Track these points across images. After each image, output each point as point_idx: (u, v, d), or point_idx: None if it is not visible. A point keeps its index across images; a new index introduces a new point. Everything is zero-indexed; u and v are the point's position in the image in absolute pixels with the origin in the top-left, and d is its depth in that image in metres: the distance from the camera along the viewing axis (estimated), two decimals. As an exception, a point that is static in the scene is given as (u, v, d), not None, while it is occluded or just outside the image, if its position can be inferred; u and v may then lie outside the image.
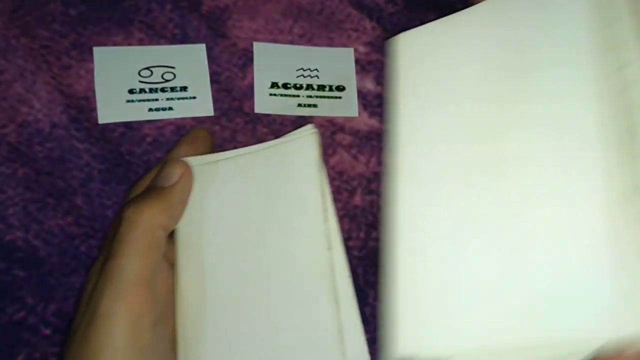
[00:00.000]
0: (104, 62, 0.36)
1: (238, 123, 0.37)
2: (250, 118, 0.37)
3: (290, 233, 0.29)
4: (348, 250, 0.33)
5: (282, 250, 0.28)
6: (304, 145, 0.30)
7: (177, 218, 0.29)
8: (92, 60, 0.36)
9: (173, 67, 0.37)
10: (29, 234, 0.33)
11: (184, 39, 0.37)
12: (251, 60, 0.38)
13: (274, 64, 0.38)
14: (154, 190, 0.28)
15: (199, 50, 0.37)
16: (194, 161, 0.30)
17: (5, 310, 0.33)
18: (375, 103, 0.39)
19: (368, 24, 0.40)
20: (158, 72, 0.37)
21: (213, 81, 0.37)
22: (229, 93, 0.38)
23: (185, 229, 0.29)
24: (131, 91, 0.36)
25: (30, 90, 0.35)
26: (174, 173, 0.29)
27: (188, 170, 0.29)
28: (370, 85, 0.39)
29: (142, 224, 0.27)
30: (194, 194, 0.30)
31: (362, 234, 0.36)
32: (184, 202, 0.29)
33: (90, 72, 0.36)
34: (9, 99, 0.34)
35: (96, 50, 0.36)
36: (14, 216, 0.33)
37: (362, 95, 0.39)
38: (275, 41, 0.39)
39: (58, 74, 0.35)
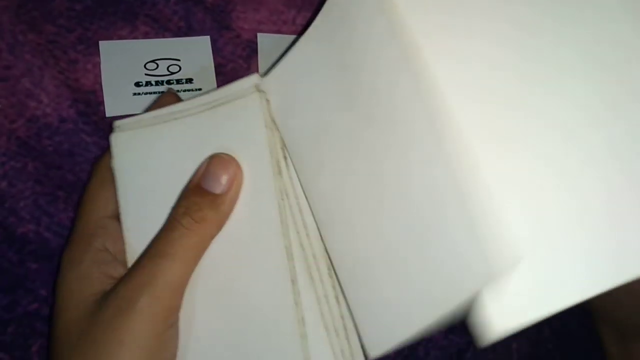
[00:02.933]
0: (110, 55, 0.36)
1: (244, 114, 0.37)
2: (255, 109, 0.38)
3: (241, 195, 0.28)
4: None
5: (235, 213, 0.28)
6: (248, 103, 0.29)
7: (223, 226, 0.28)
8: (98, 54, 0.36)
9: (178, 60, 0.37)
10: (40, 227, 0.34)
11: (188, 32, 0.38)
12: (255, 51, 0.38)
13: (279, 54, 0.39)
14: (206, 196, 0.27)
15: (204, 43, 0.38)
16: (128, 125, 0.29)
17: (19, 301, 0.33)
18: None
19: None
20: (164, 64, 0.37)
21: (218, 73, 0.38)
22: (234, 84, 0.38)
23: (127, 206, 0.29)
24: (137, 84, 0.36)
25: (38, 85, 0.35)
26: (225, 176, 0.28)
27: (239, 174, 0.28)
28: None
29: (196, 235, 0.27)
30: (133, 165, 0.29)
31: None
32: (232, 209, 0.28)
33: (97, 66, 0.36)
34: (17, 94, 0.35)
35: (102, 44, 0.36)
36: (25, 209, 0.34)
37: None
38: (279, 32, 0.39)
39: (65, 68, 0.36)
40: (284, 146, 0.28)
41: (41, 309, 0.33)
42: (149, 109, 0.31)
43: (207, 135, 0.29)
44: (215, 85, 0.37)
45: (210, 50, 0.38)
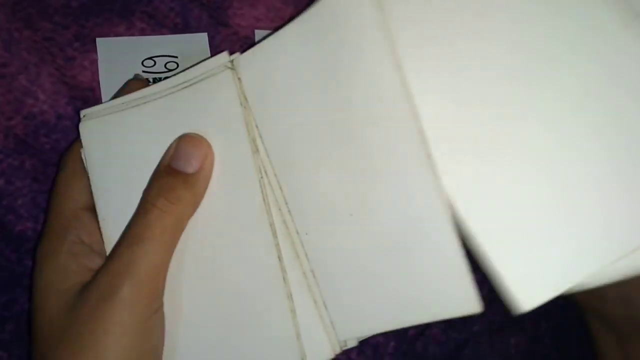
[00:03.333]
0: (108, 52, 0.36)
1: (241, 111, 0.37)
2: (253, 105, 0.38)
3: (219, 171, 0.28)
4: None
5: (214, 195, 0.28)
6: (221, 82, 0.28)
7: (198, 205, 0.28)
8: (95, 51, 0.36)
9: (176, 57, 0.37)
10: (38, 224, 0.34)
11: (185, 28, 0.38)
12: (253, 48, 0.38)
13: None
14: (179, 175, 0.27)
15: (201, 39, 0.38)
16: (95, 112, 0.29)
17: (17, 300, 0.33)
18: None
19: None
20: (161, 61, 0.37)
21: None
22: (232, 81, 0.38)
23: (102, 195, 0.29)
24: (135, 81, 0.36)
25: (34, 82, 0.35)
26: (196, 155, 0.27)
27: (210, 150, 0.28)
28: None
29: (172, 216, 0.26)
30: (104, 153, 0.29)
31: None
32: (206, 188, 0.28)
33: (94, 63, 0.36)
34: (14, 91, 0.35)
35: (99, 41, 0.36)
36: (23, 207, 0.34)
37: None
38: (276, 29, 0.39)
39: (62, 65, 0.35)
40: (257, 125, 0.28)
41: (40, 307, 0.33)
42: (117, 95, 0.31)
43: (179, 116, 0.28)
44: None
45: (208, 47, 0.38)
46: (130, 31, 0.37)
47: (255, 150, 0.28)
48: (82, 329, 0.25)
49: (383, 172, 0.26)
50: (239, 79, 0.28)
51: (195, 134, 0.28)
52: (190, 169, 0.27)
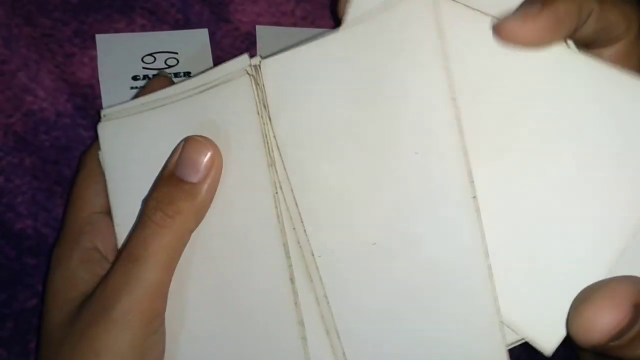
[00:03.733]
0: (107, 49, 0.36)
1: (242, 107, 0.37)
2: (254, 102, 0.37)
3: (232, 183, 0.26)
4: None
5: (225, 208, 0.26)
6: (239, 88, 0.26)
7: (204, 215, 0.26)
8: (95, 48, 0.36)
9: (176, 53, 0.37)
10: (38, 222, 0.34)
11: (186, 24, 0.37)
12: (254, 43, 0.38)
13: (277, 46, 0.38)
14: (180, 185, 0.25)
15: (202, 35, 0.37)
16: (115, 113, 0.28)
17: (17, 297, 0.33)
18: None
19: None
20: (161, 58, 0.36)
21: (216, 66, 0.37)
22: (233, 77, 0.37)
23: (118, 200, 0.27)
24: (135, 78, 0.36)
25: (34, 79, 0.35)
26: (202, 162, 0.25)
27: (218, 157, 0.26)
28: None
29: (171, 231, 0.25)
30: (122, 156, 0.27)
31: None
32: (213, 196, 0.26)
33: (94, 59, 0.36)
34: (13, 88, 0.34)
35: (99, 37, 0.36)
36: (23, 205, 0.34)
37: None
38: (278, 24, 0.39)
39: (61, 62, 0.35)
40: (275, 135, 0.27)
41: (39, 305, 0.33)
42: (139, 94, 0.30)
43: (197, 121, 0.27)
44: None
45: (209, 43, 0.37)
46: (130, 27, 0.37)
47: (272, 163, 0.26)
48: (76, 346, 0.24)
49: (420, 205, 0.24)
50: (259, 84, 0.27)
51: (201, 137, 0.26)
52: (195, 177, 0.25)
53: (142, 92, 0.30)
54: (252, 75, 0.27)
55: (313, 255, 0.26)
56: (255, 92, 0.26)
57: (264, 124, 0.26)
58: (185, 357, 0.26)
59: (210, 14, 0.38)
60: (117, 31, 0.36)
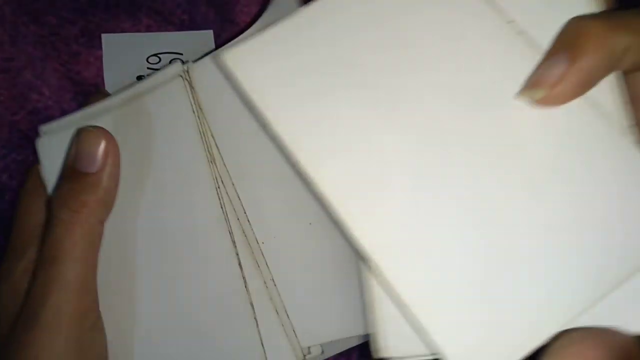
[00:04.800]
0: (113, 49, 0.36)
1: (246, 109, 0.37)
2: (258, 104, 0.37)
3: (176, 181, 0.27)
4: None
5: (172, 204, 0.27)
6: (173, 91, 0.28)
7: (113, 203, 0.26)
8: (100, 47, 0.36)
9: (181, 54, 0.37)
10: (41, 220, 0.34)
11: (191, 25, 0.37)
12: (259, 46, 0.38)
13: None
14: (81, 178, 0.25)
15: (207, 36, 0.37)
16: (54, 129, 0.28)
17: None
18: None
19: None
20: (166, 58, 0.37)
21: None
22: (237, 79, 0.38)
23: None
24: (140, 78, 0.36)
25: (39, 77, 0.35)
26: (98, 152, 0.25)
27: (113, 143, 0.26)
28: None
29: (80, 225, 0.25)
30: (58, 170, 0.27)
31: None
32: (117, 183, 0.26)
33: (99, 58, 0.36)
34: (18, 86, 0.35)
35: (105, 37, 0.36)
36: (26, 202, 0.34)
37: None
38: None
39: (67, 60, 0.35)
40: (212, 133, 0.28)
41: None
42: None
43: (135, 127, 0.28)
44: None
45: (214, 44, 0.37)
46: (136, 27, 0.37)
47: (212, 160, 0.27)
48: (15, 355, 0.24)
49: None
50: (193, 87, 0.28)
51: (93, 127, 0.26)
52: (93, 168, 0.25)
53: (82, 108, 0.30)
54: (186, 79, 0.28)
55: (257, 242, 0.27)
56: (190, 94, 0.28)
57: (200, 123, 0.28)
58: (141, 349, 0.27)
59: (216, 15, 0.38)
60: (123, 31, 0.36)
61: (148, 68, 0.36)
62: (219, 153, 0.28)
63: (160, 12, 0.37)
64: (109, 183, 0.26)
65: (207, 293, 0.27)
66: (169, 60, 0.37)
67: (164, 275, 0.27)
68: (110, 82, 0.36)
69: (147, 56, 0.36)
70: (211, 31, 0.37)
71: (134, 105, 0.28)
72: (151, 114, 0.28)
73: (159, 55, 0.36)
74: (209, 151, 0.27)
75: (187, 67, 0.28)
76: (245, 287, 0.27)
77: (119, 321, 0.27)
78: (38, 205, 0.28)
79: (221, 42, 0.37)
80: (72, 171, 0.26)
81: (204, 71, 0.28)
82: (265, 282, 0.27)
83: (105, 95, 0.31)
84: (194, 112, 0.28)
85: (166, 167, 0.27)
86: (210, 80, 0.28)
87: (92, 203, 0.25)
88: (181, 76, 0.28)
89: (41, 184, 0.28)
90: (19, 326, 0.25)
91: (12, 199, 0.34)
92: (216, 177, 0.27)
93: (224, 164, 0.28)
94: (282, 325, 0.27)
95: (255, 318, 0.26)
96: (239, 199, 0.28)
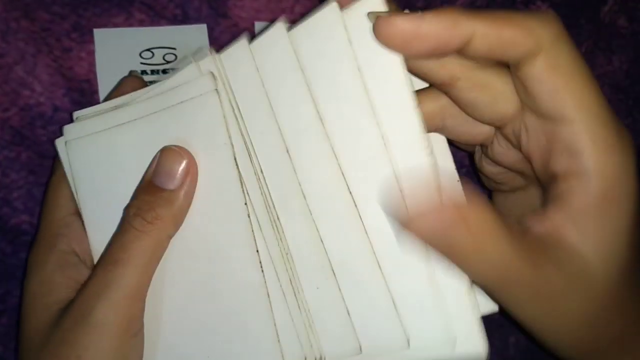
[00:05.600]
0: (105, 44, 0.36)
1: (240, 104, 0.37)
2: (252, 99, 0.37)
3: (205, 195, 0.27)
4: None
5: (200, 209, 0.27)
6: (206, 104, 0.27)
7: (182, 221, 0.27)
8: (92, 43, 0.36)
9: (174, 49, 0.37)
10: (34, 217, 0.34)
11: (184, 20, 0.37)
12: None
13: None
14: (158, 193, 0.26)
15: (200, 31, 0.37)
16: (78, 130, 0.28)
17: (11, 292, 0.33)
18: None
19: (371, 1, 0.40)
20: (159, 53, 0.36)
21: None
22: (231, 74, 0.37)
23: (89, 211, 0.28)
24: (132, 73, 0.36)
25: (31, 73, 0.34)
26: (177, 170, 0.26)
27: (193, 165, 0.26)
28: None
29: (150, 236, 0.25)
30: (90, 170, 0.27)
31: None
32: (190, 202, 0.27)
33: (91, 54, 0.36)
34: (10, 82, 0.34)
35: (97, 32, 0.36)
36: (19, 200, 0.34)
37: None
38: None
39: (59, 56, 0.35)
40: (247, 141, 0.27)
41: (35, 300, 0.33)
42: (111, 94, 0.30)
43: (166, 134, 0.27)
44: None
45: (207, 39, 0.37)
46: (128, 22, 0.36)
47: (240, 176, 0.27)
48: (57, 351, 0.25)
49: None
50: (227, 92, 0.27)
51: (177, 147, 0.27)
52: (172, 185, 0.26)
53: (114, 92, 0.30)
54: (219, 93, 0.27)
55: (288, 253, 0.26)
56: (221, 103, 0.27)
57: (233, 132, 0.27)
58: (164, 356, 0.26)
59: (209, 10, 0.38)
60: (115, 26, 0.36)
61: (141, 63, 0.36)
62: (252, 165, 0.27)
63: (152, 6, 0.37)
64: (184, 202, 0.26)
65: (232, 306, 0.26)
66: (163, 55, 0.36)
67: (188, 286, 0.27)
68: (102, 77, 0.35)
69: (139, 51, 0.36)
70: (205, 25, 0.37)
71: (166, 114, 0.27)
72: (181, 122, 0.27)
73: (152, 50, 0.36)
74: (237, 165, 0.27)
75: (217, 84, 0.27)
76: (272, 306, 0.26)
77: (149, 331, 0.26)
78: (65, 198, 0.28)
79: (215, 36, 0.37)
80: (150, 185, 0.26)
81: (238, 80, 0.27)
82: (297, 301, 0.26)
83: (139, 80, 0.31)
84: (226, 125, 0.27)
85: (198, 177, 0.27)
86: (244, 95, 0.27)
87: (166, 218, 0.26)
88: (216, 90, 0.27)
89: (65, 174, 0.28)
90: (64, 322, 0.25)
91: (5, 197, 0.33)
92: (246, 190, 0.26)
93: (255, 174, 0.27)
94: (310, 343, 0.26)
95: (275, 324, 0.26)
96: (275, 210, 0.27)
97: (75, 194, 0.28)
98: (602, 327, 0.24)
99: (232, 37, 0.37)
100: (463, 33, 0.22)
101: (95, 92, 0.35)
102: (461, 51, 0.23)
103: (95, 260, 0.27)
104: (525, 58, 0.23)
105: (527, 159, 0.25)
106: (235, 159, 0.26)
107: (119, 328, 0.24)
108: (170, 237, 0.26)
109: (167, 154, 0.26)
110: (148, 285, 0.26)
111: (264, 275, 0.26)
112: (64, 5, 0.36)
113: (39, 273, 0.27)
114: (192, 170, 0.26)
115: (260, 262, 0.26)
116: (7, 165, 0.34)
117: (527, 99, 0.24)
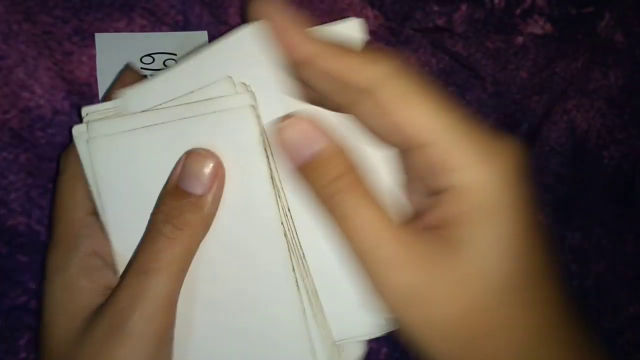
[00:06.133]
0: (106, 48, 0.36)
1: (239, 111, 0.37)
2: (251, 106, 0.37)
3: (235, 203, 0.26)
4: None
5: (230, 217, 0.26)
6: (241, 118, 0.26)
7: (210, 225, 0.26)
8: (93, 47, 0.36)
9: (174, 54, 0.37)
10: (31, 219, 0.34)
11: (185, 26, 0.37)
12: (253, 47, 0.38)
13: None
14: (185, 197, 0.25)
15: (201, 37, 0.37)
16: (103, 129, 0.26)
17: (7, 294, 0.33)
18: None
19: (370, 12, 0.40)
20: (160, 58, 0.37)
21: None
22: (231, 80, 0.38)
23: (112, 214, 0.26)
24: (133, 78, 0.36)
25: (32, 76, 0.35)
26: (205, 174, 0.25)
27: (221, 169, 0.25)
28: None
29: (181, 243, 0.24)
30: (114, 174, 0.26)
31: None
32: (218, 206, 0.26)
33: (92, 58, 0.36)
34: (10, 84, 0.34)
35: (98, 36, 0.36)
36: (16, 202, 0.34)
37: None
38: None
39: (60, 60, 0.35)
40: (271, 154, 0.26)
41: (29, 302, 0.33)
42: (112, 87, 0.29)
43: (195, 140, 0.26)
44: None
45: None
46: (130, 27, 0.37)
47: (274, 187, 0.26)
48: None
49: None
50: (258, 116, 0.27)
51: (203, 149, 0.25)
52: (200, 189, 0.25)
53: (114, 85, 0.29)
54: (254, 107, 0.26)
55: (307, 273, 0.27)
56: (255, 118, 0.26)
57: (265, 145, 0.26)
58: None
59: (210, 16, 0.38)
60: (116, 30, 0.36)
61: (142, 68, 0.36)
62: (279, 178, 0.27)
63: (154, 12, 0.37)
64: (213, 206, 0.25)
65: (263, 317, 0.26)
66: (163, 60, 0.36)
67: (218, 295, 0.26)
68: (103, 81, 0.36)
69: (140, 56, 0.36)
70: (205, 32, 0.37)
71: (195, 121, 0.26)
72: (215, 132, 0.26)
73: (152, 56, 0.36)
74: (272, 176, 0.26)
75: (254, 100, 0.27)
76: (305, 312, 0.26)
77: (178, 339, 0.26)
78: (82, 196, 0.27)
79: (215, 43, 0.37)
80: (176, 189, 0.25)
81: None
82: (314, 313, 0.26)
83: (136, 74, 0.30)
84: (260, 146, 0.26)
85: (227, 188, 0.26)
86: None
87: (195, 223, 0.25)
88: (253, 105, 0.26)
89: (79, 173, 0.27)
90: (96, 333, 0.24)
91: (2, 198, 0.33)
92: (282, 205, 0.26)
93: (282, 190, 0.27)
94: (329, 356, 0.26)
95: (308, 329, 0.25)
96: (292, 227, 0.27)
97: (95, 194, 0.26)
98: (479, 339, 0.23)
99: (233, 44, 0.38)
100: (304, 50, 0.24)
101: (95, 95, 0.35)
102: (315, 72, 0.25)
103: (118, 263, 0.26)
104: (359, 95, 0.24)
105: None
106: (271, 174, 0.26)
107: (152, 338, 0.24)
108: (199, 242, 0.25)
109: (193, 157, 0.25)
110: (179, 293, 0.25)
111: (300, 294, 0.26)
112: (66, 9, 0.36)
113: (61, 277, 0.26)
114: (219, 174, 0.25)
115: (297, 281, 0.25)
116: (5, 166, 0.34)
117: (393, 134, 0.24)
